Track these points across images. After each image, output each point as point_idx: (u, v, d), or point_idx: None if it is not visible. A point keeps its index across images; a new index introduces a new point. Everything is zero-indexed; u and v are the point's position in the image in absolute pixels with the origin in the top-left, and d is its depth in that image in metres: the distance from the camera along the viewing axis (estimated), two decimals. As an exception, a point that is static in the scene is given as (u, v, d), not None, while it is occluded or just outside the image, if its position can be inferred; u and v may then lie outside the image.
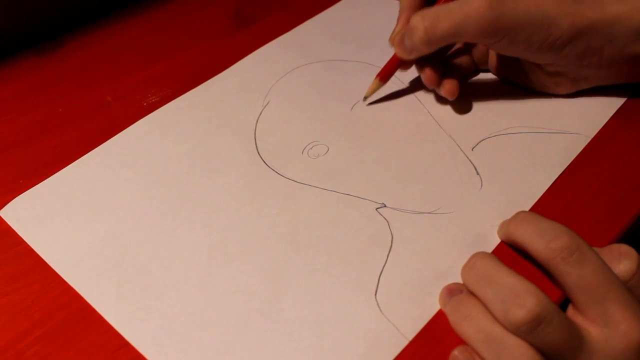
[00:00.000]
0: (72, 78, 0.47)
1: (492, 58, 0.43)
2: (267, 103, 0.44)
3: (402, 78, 0.45)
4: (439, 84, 0.41)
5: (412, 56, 0.40)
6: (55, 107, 0.44)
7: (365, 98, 0.43)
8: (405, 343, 0.30)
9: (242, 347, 0.30)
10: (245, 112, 0.43)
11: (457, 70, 0.43)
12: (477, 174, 0.38)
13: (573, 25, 0.36)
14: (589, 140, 0.39)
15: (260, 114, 0.43)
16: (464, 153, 0.39)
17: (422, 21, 0.37)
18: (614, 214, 0.35)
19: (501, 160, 0.38)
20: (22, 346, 0.31)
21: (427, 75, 0.41)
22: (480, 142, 0.40)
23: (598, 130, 0.40)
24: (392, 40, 0.41)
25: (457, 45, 0.44)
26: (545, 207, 0.36)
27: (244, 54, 0.48)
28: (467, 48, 0.44)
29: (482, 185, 0.37)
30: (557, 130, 0.40)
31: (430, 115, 0.42)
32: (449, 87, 0.41)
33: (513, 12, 0.36)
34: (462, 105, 0.42)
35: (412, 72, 0.44)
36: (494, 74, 0.44)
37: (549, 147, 0.39)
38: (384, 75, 0.43)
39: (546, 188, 0.37)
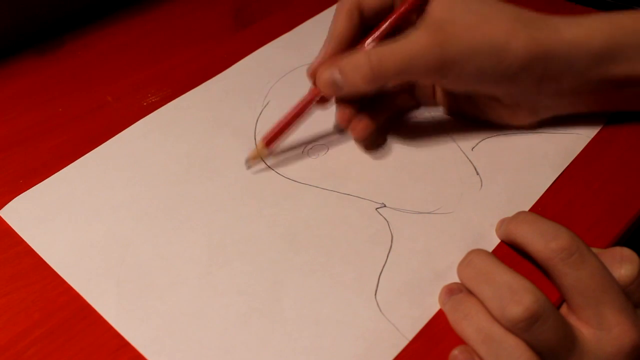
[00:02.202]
0: (72, 78, 0.47)
1: (441, 96, 0.41)
2: (267, 103, 0.44)
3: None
4: (349, 124, 0.38)
5: (341, 94, 0.37)
6: (55, 107, 0.44)
7: (248, 166, 0.39)
8: (405, 343, 0.30)
9: (242, 346, 0.30)
10: (245, 112, 0.43)
11: (387, 110, 0.40)
12: (477, 174, 0.38)
13: (526, 51, 0.34)
14: (589, 140, 0.39)
15: (260, 114, 0.43)
16: (464, 153, 0.39)
17: (368, 59, 0.34)
18: (614, 214, 0.35)
19: (501, 160, 0.38)
20: (22, 346, 0.31)
21: (341, 113, 0.38)
22: (480, 142, 0.40)
23: (598, 130, 0.40)
24: (312, 73, 0.38)
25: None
26: (545, 207, 0.36)
27: (244, 54, 0.48)
28: (408, 86, 0.41)
29: (482, 185, 0.37)
30: (557, 130, 0.40)
31: (430, 115, 0.42)
32: (355, 127, 0.38)
33: (459, 44, 0.34)
34: (462, 105, 0.42)
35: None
36: (445, 112, 0.42)
37: (549, 147, 0.39)
38: (272, 139, 0.39)
39: (546, 188, 0.37)
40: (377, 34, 0.37)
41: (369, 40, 0.37)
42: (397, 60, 0.34)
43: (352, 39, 0.37)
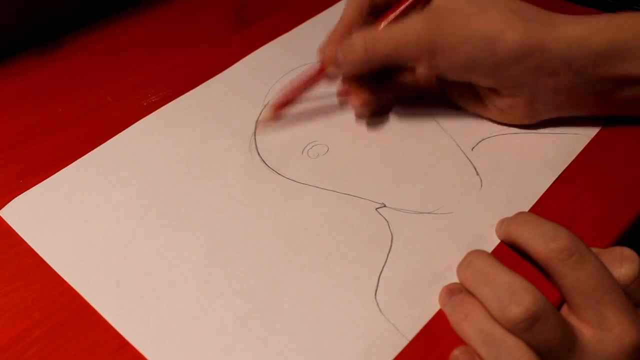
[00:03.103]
0: (72, 78, 0.47)
1: (442, 85, 0.42)
2: (267, 103, 0.44)
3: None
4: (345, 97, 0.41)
5: (342, 72, 0.40)
6: (55, 107, 0.44)
7: (257, 129, 0.42)
8: (405, 343, 0.30)
9: (242, 346, 0.30)
10: (245, 112, 0.43)
11: (389, 92, 0.42)
12: (477, 174, 0.38)
13: (521, 43, 0.34)
14: (589, 140, 0.39)
15: (260, 114, 0.43)
16: (464, 153, 0.39)
17: (363, 41, 0.37)
18: (614, 214, 0.35)
19: (501, 160, 0.38)
20: (22, 346, 0.31)
21: (342, 88, 0.41)
22: (480, 142, 0.40)
23: (598, 130, 0.40)
24: (321, 50, 0.40)
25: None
26: (545, 207, 0.36)
27: (244, 54, 0.48)
28: (411, 71, 0.42)
29: (482, 185, 0.37)
30: (557, 130, 0.40)
31: (430, 115, 0.42)
32: (353, 101, 0.40)
33: (452, 32, 0.35)
34: (462, 105, 0.42)
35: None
36: (449, 100, 0.42)
37: (549, 147, 0.39)
38: (280, 106, 0.41)
39: (546, 188, 0.37)
40: (390, 16, 0.38)
41: (383, 23, 0.38)
42: (390, 42, 0.36)
43: (361, 22, 0.39)
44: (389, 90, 0.42)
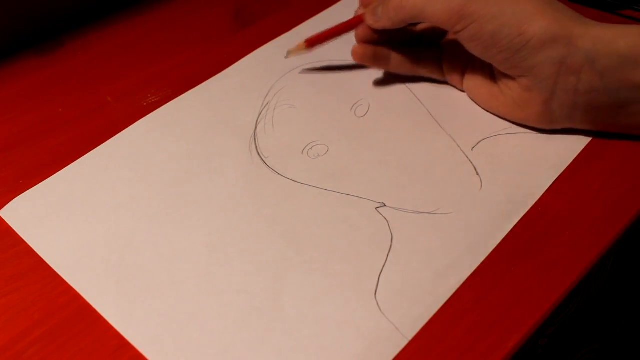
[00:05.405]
0: (72, 78, 0.47)
1: (458, 70, 0.42)
2: (267, 103, 0.44)
3: (405, 80, 0.45)
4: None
5: (379, 25, 0.41)
6: (55, 107, 0.44)
7: (287, 56, 0.45)
8: (404, 343, 0.30)
9: (242, 345, 0.30)
10: (245, 112, 0.43)
11: (409, 62, 0.43)
12: (477, 174, 0.38)
13: (549, 29, 0.35)
14: (589, 140, 0.39)
15: (260, 114, 0.43)
16: (464, 153, 0.39)
17: None
18: (614, 214, 0.35)
19: (501, 160, 0.38)
20: (22, 346, 0.31)
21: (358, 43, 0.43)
22: (480, 142, 0.40)
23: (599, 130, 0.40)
24: (364, 3, 0.42)
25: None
26: (545, 207, 0.36)
27: (244, 54, 0.48)
28: (440, 54, 0.43)
29: (482, 185, 0.37)
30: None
31: (430, 115, 0.42)
32: (355, 49, 0.42)
33: (485, 2, 0.36)
34: (462, 105, 0.42)
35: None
36: (464, 89, 0.43)
37: (549, 147, 0.39)
38: (312, 41, 0.44)
39: (546, 188, 0.37)
40: None
41: None
42: None
43: None
44: (408, 62, 0.43)
